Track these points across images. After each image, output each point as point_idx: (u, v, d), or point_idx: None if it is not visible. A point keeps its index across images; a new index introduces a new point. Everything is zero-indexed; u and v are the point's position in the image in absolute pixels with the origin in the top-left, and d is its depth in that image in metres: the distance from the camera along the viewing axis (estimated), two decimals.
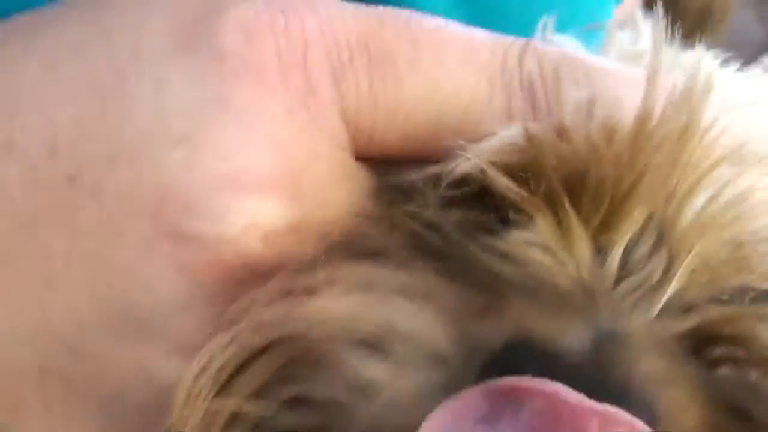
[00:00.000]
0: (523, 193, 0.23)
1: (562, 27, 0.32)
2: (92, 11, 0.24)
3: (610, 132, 0.23)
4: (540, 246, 0.23)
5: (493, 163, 0.23)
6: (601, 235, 0.23)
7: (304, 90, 0.23)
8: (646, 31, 0.30)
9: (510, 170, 0.24)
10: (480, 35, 0.25)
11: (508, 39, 0.25)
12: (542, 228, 0.23)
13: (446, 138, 0.24)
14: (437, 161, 0.24)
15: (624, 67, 0.25)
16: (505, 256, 0.23)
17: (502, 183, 0.23)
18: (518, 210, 0.24)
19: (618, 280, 0.23)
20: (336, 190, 0.24)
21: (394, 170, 0.25)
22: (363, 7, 0.24)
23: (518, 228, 0.23)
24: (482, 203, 0.25)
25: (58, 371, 0.23)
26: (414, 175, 0.25)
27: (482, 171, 0.23)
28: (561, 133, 0.24)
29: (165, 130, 0.22)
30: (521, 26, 0.40)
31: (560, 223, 0.23)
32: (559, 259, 0.23)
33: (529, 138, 0.23)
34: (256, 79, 0.22)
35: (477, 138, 0.24)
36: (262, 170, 0.22)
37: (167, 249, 0.22)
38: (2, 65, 0.23)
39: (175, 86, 0.22)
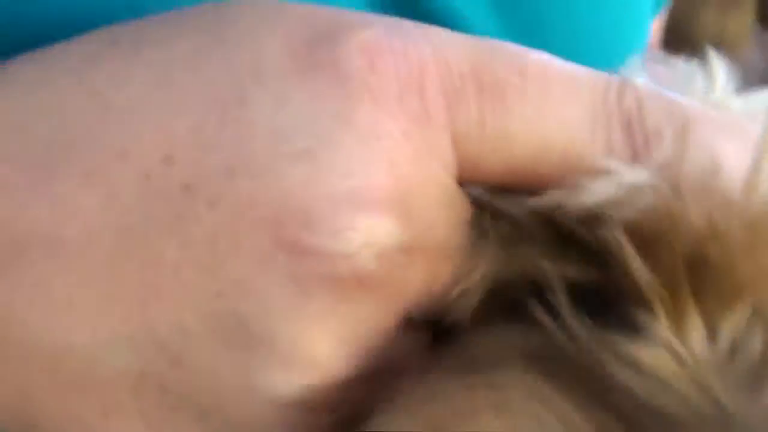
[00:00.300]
0: (654, 281, 0.24)
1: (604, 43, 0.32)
2: (207, 22, 0.24)
3: (728, 208, 0.23)
4: (670, 353, 0.23)
5: (616, 220, 0.23)
6: (712, 322, 0.24)
7: (420, 114, 0.23)
8: (719, 76, 0.30)
9: (634, 233, 0.24)
10: (581, 70, 0.25)
11: (606, 75, 0.25)
12: (665, 326, 0.23)
13: (548, 171, 0.24)
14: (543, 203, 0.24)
15: (721, 115, 0.26)
16: (637, 368, 0.23)
17: (635, 264, 0.24)
18: (637, 292, 0.24)
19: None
20: (443, 215, 0.24)
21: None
22: (472, 38, 0.25)
23: (643, 326, 0.23)
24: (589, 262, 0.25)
25: (157, 380, 0.23)
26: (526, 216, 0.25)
27: (613, 238, 0.24)
28: (678, 197, 0.24)
29: (286, 144, 0.22)
30: (560, 41, 0.40)
31: (680, 315, 0.24)
32: (692, 376, 0.22)
33: (667, 194, 0.23)
34: (377, 102, 0.23)
35: (582, 175, 0.24)
36: (381, 189, 0.23)
37: (283, 261, 0.22)
38: (111, 76, 0.23)
39: (297, 103, 0.23)
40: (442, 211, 0.24)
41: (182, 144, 0.23)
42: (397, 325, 0.25)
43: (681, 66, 0.32)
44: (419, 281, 0.24)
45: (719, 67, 0.30)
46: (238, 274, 0.23)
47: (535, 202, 0.25)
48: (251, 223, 0.22)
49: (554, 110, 0.24)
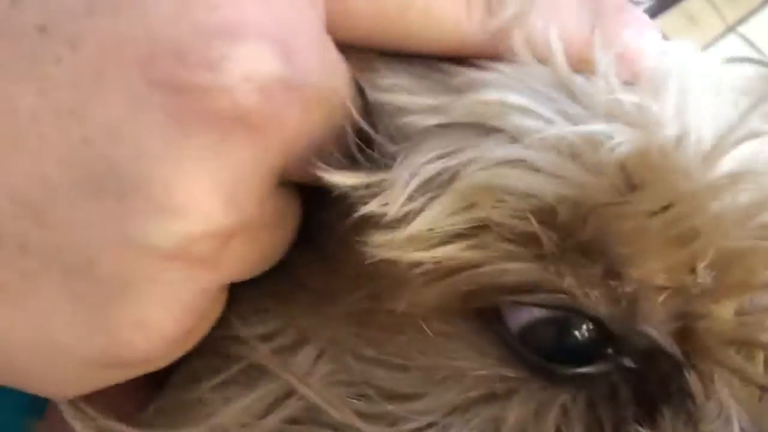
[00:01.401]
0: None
1: None
2: None
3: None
4: None
5: None
6: None
7: None
8: None
9: None
10: None
11: None
12: None
13: (415, 19, 0.24)
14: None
15: None
16: None
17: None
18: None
19: None
20: (318, 57, 0.23)
21: None
22: None
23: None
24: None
25: (16, 240, 0.22)
26: None
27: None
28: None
29: None
30: None
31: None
32: None
33: None
34: None
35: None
36: (254, 19, 0.22)
37: (158, 100, 0.21)
38: None
39: None
40: (316, 54, 0.23)
41: None
42: (275, 176, 0.23)
43: None
44: (297, 123, 0.23)
45: None
46: (106, 117, 0.21)
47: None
48: (119, 62, 0.21)
49: None
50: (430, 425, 0.24)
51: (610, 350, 0.24)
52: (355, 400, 0.24)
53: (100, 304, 0.22)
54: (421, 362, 0.24)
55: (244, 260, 0.24)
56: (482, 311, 0.24)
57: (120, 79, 0.21)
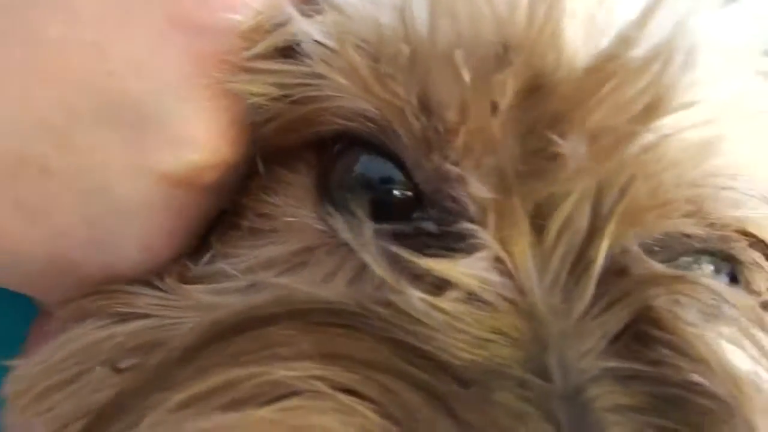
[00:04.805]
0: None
1: None
2: None
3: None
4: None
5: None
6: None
7: None
8: None
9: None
10: None
11: None
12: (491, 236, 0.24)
13: None
14: None
15: None
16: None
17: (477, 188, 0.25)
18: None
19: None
20: None
21: None
22: None
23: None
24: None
25: (38, 162, 0.23)
26: None
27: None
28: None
29: None
30: None
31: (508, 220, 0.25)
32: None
33: None
34: None
35: None
36: None
37: (179, 39, 0.23)
38: None
39: None
40: None
41: None
42: None
43: None
44: None
45: None
46: (129, 52, 0.23)
47: None
48: (144, 1, 0.23)
49: None
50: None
51: (417, 213, 0.26)
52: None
53: (113, 227, 0.24)
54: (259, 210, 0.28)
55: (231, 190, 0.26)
56: (320, 160, 0.28)
57: (144, 16, 0.22)
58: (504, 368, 0.22)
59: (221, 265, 0.27)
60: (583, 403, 0.22)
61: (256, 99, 0.27)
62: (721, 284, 0.26)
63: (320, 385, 0.22)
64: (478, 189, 0.25)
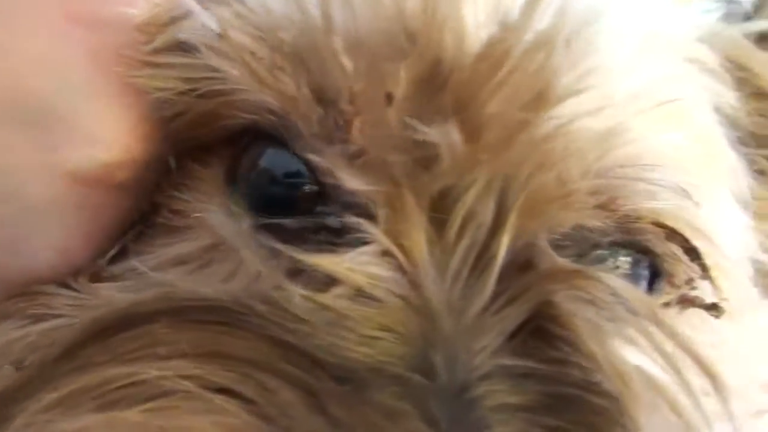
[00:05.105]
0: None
1: None
2: None
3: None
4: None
5: None
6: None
7: None
8: None
9: None
10: None
11: None
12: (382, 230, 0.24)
13: None
14: None
15: None
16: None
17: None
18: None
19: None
20: None
21: None
22: None
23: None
24: None
25: None
26: None
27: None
28: None
29: None
30: None
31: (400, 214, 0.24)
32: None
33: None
34: None
35: None
36: None
37: (78, 35, 0.23)
38: None
39: None
40: None
41: None
42: None
43: None
44: None
45: None
46: (31, 51, 0.22)
47: None
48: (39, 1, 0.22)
49: None
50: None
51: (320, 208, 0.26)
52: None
53: (27, 229, 0.24)
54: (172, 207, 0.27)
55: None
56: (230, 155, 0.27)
57: (42, 13, 0.22)
58: (386, 366, 0.22)
59: (134, 263, 0.27)
60: (469, 401, 0.22)
61: (161, 94, 0.26)
62: (619, 280, 0.25)
63: (191, 386, 0.21)
64: (361, 182, 0.24)
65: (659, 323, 0.24)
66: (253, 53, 0.25)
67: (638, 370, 0.23)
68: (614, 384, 0.22)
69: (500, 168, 0.24)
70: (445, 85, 0.24)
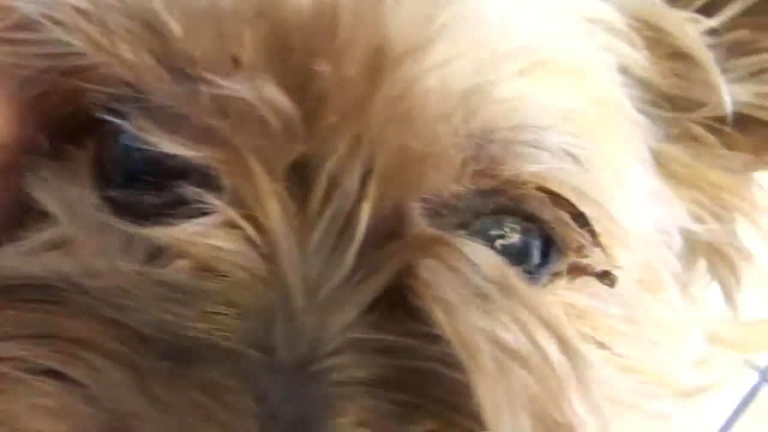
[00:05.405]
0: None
1: None
2: None
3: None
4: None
5: None
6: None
7: None
8: None
9: None
10: None
11: None
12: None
13: None
14: None
15: None
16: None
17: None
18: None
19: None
20: None
21: None
22: None
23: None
24: None
25: None
26: None
27: None
28: None
29: None
30: None
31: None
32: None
33: None
34: None
35: None
36: None
37: None
38: None
39: None
40: None
41: None
42: None
43: None
44: None
45: None
46: None
47: None
48: None
49: None
50: None
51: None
52: None
53: None
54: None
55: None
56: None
57: None
58: (222, 341, 0.21)
59: (9, 248, 0.26)
60: (309, 375, 0.21)
61: (23, 72, 0.26)
62: (479, 248, 0.24)
63: (11, 369, 0.20)
64: (205, 153, 0.23)
65: (513, 292, 0.22)
66: (88, 18, 0.23)
67: (489, 339, 0.21)
68: (462, 355, 0.21)
69: (361, 132, 0.23)
70: (292, 48, 0.23)
